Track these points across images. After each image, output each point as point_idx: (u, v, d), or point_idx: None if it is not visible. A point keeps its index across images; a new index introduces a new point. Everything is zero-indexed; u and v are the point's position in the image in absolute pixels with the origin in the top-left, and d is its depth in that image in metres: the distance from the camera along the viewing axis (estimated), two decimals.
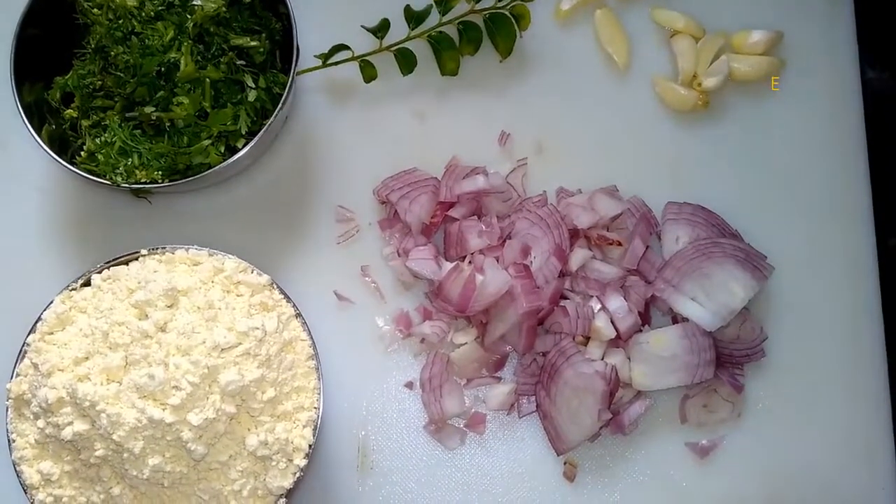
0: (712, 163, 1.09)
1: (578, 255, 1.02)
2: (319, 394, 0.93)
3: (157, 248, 0.97)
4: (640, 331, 1.01)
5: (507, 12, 1.09)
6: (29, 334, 0.92)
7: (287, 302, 0.95)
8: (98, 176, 0.99)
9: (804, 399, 1.03)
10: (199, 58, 1.00)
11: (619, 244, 1.03)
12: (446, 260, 1.03)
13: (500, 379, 1.04)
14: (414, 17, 1.10)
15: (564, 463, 1.01)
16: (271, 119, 0.99)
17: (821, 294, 1.05)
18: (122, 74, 1.00)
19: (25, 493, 0.89)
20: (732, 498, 1.01)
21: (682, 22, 1.11)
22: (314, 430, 0.92)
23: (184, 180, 0.98)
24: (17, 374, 0.92)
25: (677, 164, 1.09)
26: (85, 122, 1.03)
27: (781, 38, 1.11)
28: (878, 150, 1.10)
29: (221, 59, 1.01)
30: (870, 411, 1.02)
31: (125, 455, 0.85)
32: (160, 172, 0.99)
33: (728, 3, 1.13)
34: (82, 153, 1.02)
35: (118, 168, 0.99)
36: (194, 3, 1.00)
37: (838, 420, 1.02)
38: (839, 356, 1.04)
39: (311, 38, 1.09)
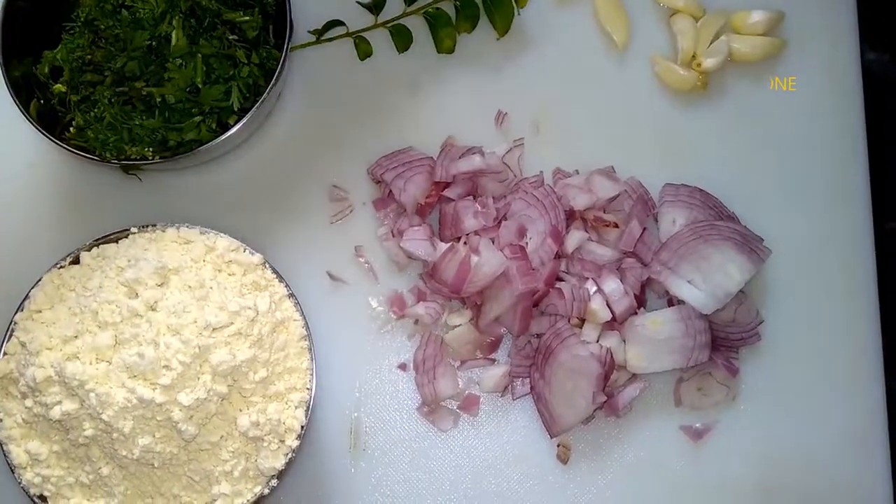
0: (710, 144, 1.08)
1: (574, 237, 1.01)
2: (312, 374, 0.92)
3: (147, 226, 0.95)
4: (636, 313, 1.00)
5: None
6: (16, 312, 0.91)
7: (280, 281, 0.94)
8: (87, 152, 0.97)
9: (799, 383, 1.03)
10: (190, 32, 0.98)
11: (616, 226, 1.02)
12: (441, 241, 1.02)
13: (494, 361, 1.03)
14: None
15: (558, 445, 1.01)
16: (264, 95, 0.97)
17: (817, 277, 1.05)
18: (112, 48, 0.98)
19: (13, 472, 0.88)
20: (726, 481, 1.01)
21: (681, 1, 1.10)
22: (306, 410, 0.91)
23: (175, 157, 0.97)
24: (5, 353, 0.91)
25: (675, 145, 1.08)
26: (74, 97, 1.01)
27: (782, 18, 1.10)
28: (878, 132, 1.09)
29: (213, 34, 0.99)
30: (864, 395, 1.02)
31: (114, 435, 0.84)
32: (151, 149, 0.98)
33: None
34: (71, 129, 1.00)
35: (108, 144, 0.98)
36: None
37: (833, 404, 1.02)
38: (835, 340, 1.03)
39: (304, 14, 1.08)
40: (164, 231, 0.95)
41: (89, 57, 1.00)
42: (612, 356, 0.98)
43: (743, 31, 1.09)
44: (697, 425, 1.01)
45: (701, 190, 1.04)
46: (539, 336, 1.01)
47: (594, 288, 1.00)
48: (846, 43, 1.10)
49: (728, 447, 1.01)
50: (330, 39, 1.08)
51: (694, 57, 1.09)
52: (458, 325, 1.02)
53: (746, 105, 1.09)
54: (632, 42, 1.11)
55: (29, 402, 0.86)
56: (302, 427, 0.90)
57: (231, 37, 1.00)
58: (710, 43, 1.08)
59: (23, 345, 0.88)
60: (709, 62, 1.08)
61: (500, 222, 1.02)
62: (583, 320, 1.00)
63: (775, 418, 1.02)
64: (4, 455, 0.89)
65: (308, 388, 0.92)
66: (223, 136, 0.97)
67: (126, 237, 0.95)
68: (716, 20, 1.09)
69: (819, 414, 1.02)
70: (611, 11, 1.11)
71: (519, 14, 1.10)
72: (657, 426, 1.01)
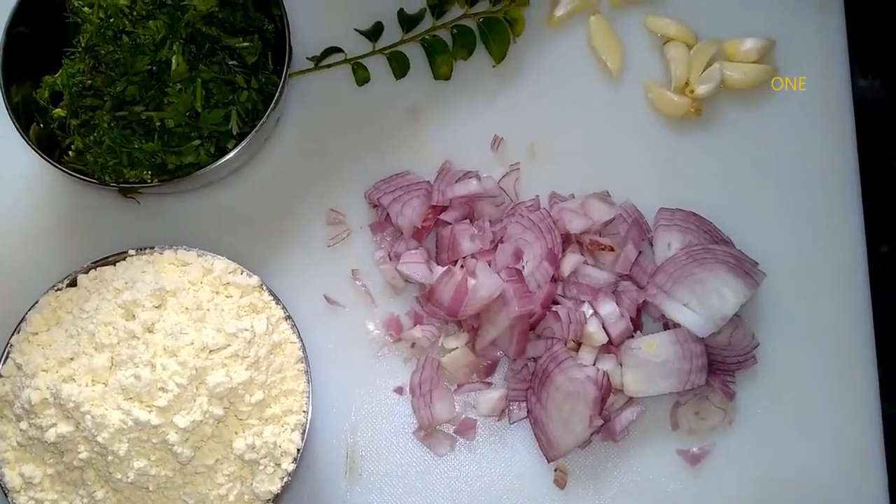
0: (704, 169, 1.09)
1: (570, 260, 1.02)
2: (308, 397, 0.92)
3: (145, 249, 0.96)
4: (632, 336, 1.01)
5: (501, 17, 1.09)
6: (13, 335, 0.91)
7: (277, 304, 0.94)
8: (86, 175, 0.98)
9: (795, 406, 1.03)
10: (190, 57, 0.99)
11: (612, 249, 1.03)
12: (438, 264, 1.03)
13: (490, 384, 1.03)
14: (407, 21, 1.10)
15: (555, 470, 1.01)
16: (262, 120, 0.98)
17: (812, 301, 1.05)
18: (112, 73, 0.99)
19: (6, 496, 0.88)
20: None
21: (674, 29, 1.12)
22: (303, 434, 0.91)
23: (174, 180, 0.97)
24: (0, 375, 0.90)
25: (669, 170, 1.09)
26: (74, 122, 1.01)
27: (773, 46, 1.12)
28: (869, 157, 1.10)
29: (213, 59, 1.00)
30: (861, 418, 1.02)
31: (109, 458, 0.83)
32: (149, 172, 0.98)
33: (721, 11, 1.13)
34: (70, 152, 1.01)
35: (107, 167, 0.98)
36: (186, 2, 1.00)
37: (829, 427, 1.02)
38: (830, 363, 1.04)
39: (303, 41, 1.09)
40: (161, 253, 0.95)
41: (89, 82, 1.01)
42: (608, 379, 0.98)
43: (735, 59, 1.11)
44: (694, 449, 1.01)
45: (695, 214, 1.05)
46: (535, 359, 1.01)
47: (590, 311, 1.00)
48: (837, 69, 1.11)
49: (725, 471, 1.01)
50: (328, 66, 1.09)
51: (687, 84, 1.10)
52: (455, 349, 1.01)
53: (740, 131, 1.10)
54: (626, 69, 1.12)
55: (24, 425, 0.86)
56: (298, 450, 0.90)
57: (230, 62, 1.01)
58: (703, 70, 1.10)
59: (19, 367, 0.88)
60: (702, 89, 1.09)
61: (496, 246, 1.03)
62: (579, 343, 1.00)
63: (772, 441, 1.01)
64: None
65: (304, 411, 0.92)
66: (222, 160, 0.97)
67: (124, 259, 0.95)
68: (708, 48, 1.11)
69: (816, 436, 1.02)
70: (605, 39, 1.12)
71: (515, 41, 1.11)
72: (654, 450, 1.01)
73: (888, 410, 1.03)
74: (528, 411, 1.01)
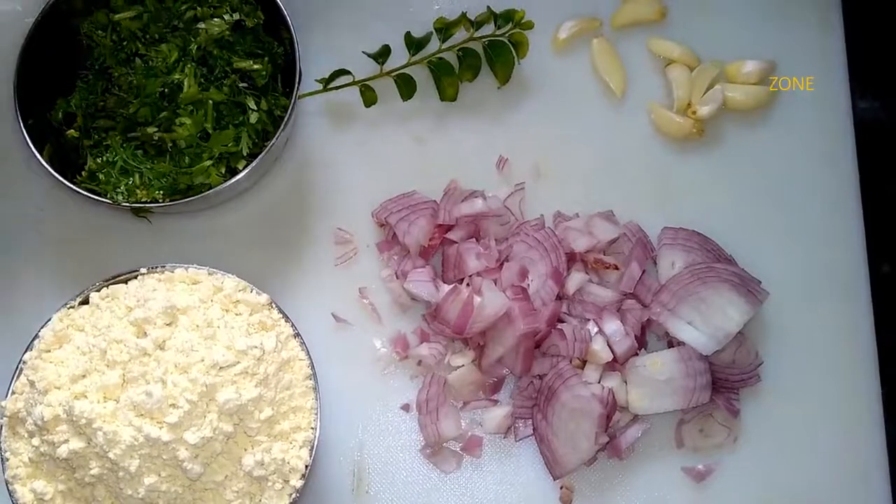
0: (707, 189, 1.11)
1: (575, 279, 1.03)
2: (317, 414, 0.93)
3: (156, 267, 0.97)
4: (637, 354, 1.01)
5: (505, 40, 1.11)
6: (26, 352, 0.92)
7: (286, 321, 0.95)
8: (98, 195, 1.00)
9: (799, 423, 1.03)
10: (202, 80, 1.01)
11: (616, 268, 1.04)
12: (444, 282, 1.04)
13: (496, 402, 1.03)
14: (414, 44, 1.12)
15: (561, 487, 1.01)
16: (272, 141, 1.00)
17: (815, 319, 1.06)
18: (124, 95, 1.02)
19: None
20: None
21: (677, 51, 1.13)
22: (311, 450, 0.91)
23: (184, 200, 0.99)
24: (13, 392, 0.91)
25: (673, 190, 1.11)
26: (87, 142, 1.04)
27: (774, 68, 1.13)
28: (870, 177, 1.11)
29: (224, 82, 1.02)
30: (864, 435, 1.03)
31: (120, 474, 0.84)
32: (161, 192, 1.00)
33: (722, 34, 1.15)
34: (83, 172, 1.02)
35: (119, 187, 1.00)
36: (198, 26, 1.02)
37: (833, 444, 1.02)
38: (834, 381, 1.04)
39: (312, 63, 1.11)
40: (172, 272, 0.96)
41: (102, 103, 1.03)
42: (613, 397, 0.99)
43: (736, 80, 1.13)
44: (699, 467, 1.02)
45: (698, 233, 1.06)
46: (541, 377, 1.01)
47: (595, 329, 1.01)
48: (837, 90, 1.13)
49: (730, 488, 1.01)
50: (336, 88, 1.11)
51: (689, 105, 1.12)
52: (461, 366, 1.02)
53: (742, 151, 1.12)
54: (629, 91, 1.14)
55: (36, 441, 0.87)
56: (306, 467, 0.91)
57: (241, 84, 1.03)
58: (705, 91, 1.12)
59: (31, 384, 0.89)
60: (704, 110, 1.11)
61: (502, 264, 1.04)
62: (584, 361, 1.01)
63: (776, 459, 1.02)
64: (10, 494, 0.89)
65: (313, 428, 0.92)
66: (232, 180, 0.99)
67: (135, 278, 0.97)
68: (710, 70, 1.12)
69: (820, 454, 1.02)
70: (608, 61, 1.14)
71: (519, 63, 1.13)
72: (659, 468, 1.02)
73: (892, 428, 1.03)
74: (533, 429, 1.01)
